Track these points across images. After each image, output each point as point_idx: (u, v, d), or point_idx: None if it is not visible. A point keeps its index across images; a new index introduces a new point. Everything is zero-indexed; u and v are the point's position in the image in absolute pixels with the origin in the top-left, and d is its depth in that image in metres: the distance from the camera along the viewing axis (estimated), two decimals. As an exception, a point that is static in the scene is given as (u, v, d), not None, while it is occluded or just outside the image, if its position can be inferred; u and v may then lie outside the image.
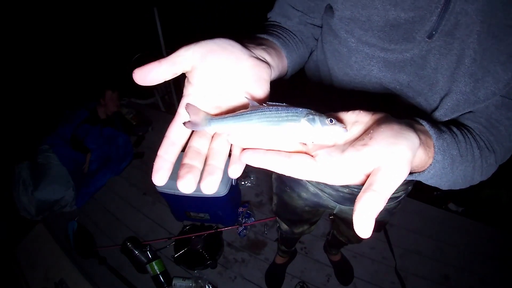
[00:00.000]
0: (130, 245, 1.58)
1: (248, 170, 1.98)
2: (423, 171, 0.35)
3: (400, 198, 0.77)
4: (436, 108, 0.46)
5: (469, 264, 1.57)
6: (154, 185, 1.51)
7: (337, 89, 0.55)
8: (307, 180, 0.79)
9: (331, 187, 0.75)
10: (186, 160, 0.28)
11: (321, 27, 0.55)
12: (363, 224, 0.22)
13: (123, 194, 2.00)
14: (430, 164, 0.34)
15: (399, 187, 0.71)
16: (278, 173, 0.89)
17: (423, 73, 0.45)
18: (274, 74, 0.39)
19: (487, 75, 0.39)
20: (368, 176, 0.25)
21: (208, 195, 1.49)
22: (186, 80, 0.32)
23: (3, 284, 1.61)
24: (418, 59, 0.43)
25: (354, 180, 0.26)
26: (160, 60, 0.29)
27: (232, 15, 2.67)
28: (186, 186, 0.27)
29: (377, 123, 0.27)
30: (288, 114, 0.28)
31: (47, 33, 2.38)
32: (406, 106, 0.49)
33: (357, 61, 0.48)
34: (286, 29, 0.53)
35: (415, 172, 0.36)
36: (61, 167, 1.85)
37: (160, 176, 0.28)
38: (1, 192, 1.86)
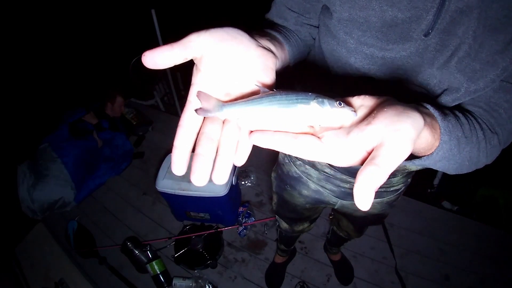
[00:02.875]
0: (130, 245, 1.58)
1: (248, 170, 1.99)
2: (432, 153, 0.36)
3: (400, 190, 0.78)
4: (437, 98, 0.48)
5: (469, 264, 1.57)
6: (154, 185, 1.52)
7: (336, 86, 0.56)
8: (307, 178, 0.80)
9: (332, 183, 0.75)
10: (199, 150, 0.28)
11: (318, 27, 0.56)
12: (363, 196, 0.23)
13: (123, 194, 2.00)
14: (438, 145, 0.35)
15: (399, 180, 0.72)
16: (278, 172, 0.90)
17: (421, 69, 0.46)
18: (278, 64, 0.40)
19: (486, 65, 0.40)
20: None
21: (208, 195, 1.49)
22: (194, 68, 0.32)
23: (3, 284, 1.61)
24: (415, 56, 0.45)
25: (358, 160, 0.27)
26: (172, 43, 0.29)
27: (231, 17, 2.68)
28: (198, 180, 0.28)
29: (381, 105, 0.28)
30: (298, 97, 0.29)
31: (46, 35, 2.38)
32: (406, 99, 0.50)
33: (356, 61, 0.49)
34: (285, 27, 0.54)
35: (423, 156, 0.37)
36: (60, 165, 1.84)
37: (179, 167, 0.28)
38: (2, 192, 1.86)
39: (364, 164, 0.24)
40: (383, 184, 0.81)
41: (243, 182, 1.96)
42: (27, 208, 1.79)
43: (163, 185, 1.51)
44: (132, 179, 2.09)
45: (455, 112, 0.41)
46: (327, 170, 0.73)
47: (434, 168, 0.41)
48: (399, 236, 1.68)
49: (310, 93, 0.29)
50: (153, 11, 2.09)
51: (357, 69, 0.50)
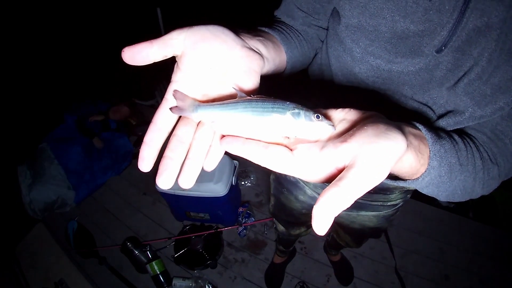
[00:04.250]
0: (130, 245, 1.58)
1: (248, 170, 1.98)
2: (417, 178, 0.33)
3: (398, 206, 0.76)
4: (440, 119, 0.45)
5: (469, 264, 1.57)
6: (154, 185, 1.51)
7: (339, 94, 0.54)
8: (304, 183, 0.79)
9: None
10: (168, 152, 0.28)
11: (327, 29, 0.54)
12: (321, 219, 0.21)
13: (123, 194, 2.00)
14: (425, 171, 0.33)
15: (397, 195, 0.70)
16: (276, 174, 0.89)
17: (428, 87, 0.43)
18: (269, 66, 0.38)
19: (497, 91, 0.38)
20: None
21: (208, 195, 1.49)
22: (175, 65, 0.31)
23: (3, 284, 1.61)
24: (424, 73, 0.42)
25: (328, 177, 0.25)
26: (152, 40, 0.29)
27: (238, 16, 2.67)
28: (163, 183, 0.27)
29: (364, 122, 0.26)
30: (274, 106, 0.28)
31: (49, 35, 2.38)
32: (409, 116, 0.48)
33: (361, 71, 0.47)
34: (292, 27, 0.52)
35: (408, 179, 0.34)
36: (57, 166, 1.84)
37: (146, 164, 0.28)
38: (2, 192, 1.86)
39: (329, 185, 0.22)
40: (380, 199, 0.77)
41: (243, 182, 1.96)
42: (28, 207, 1.79)
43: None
44: (132, 179, 2.09)
45: (453, 136, 0.38)
46: None
47: (422, 192, 0.39)
48: (399, 236, 1.68)
49: (288, 102, 0.28)
50: (158, 10, 2.08)
51: (361, 79, 0.48)
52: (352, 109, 0.29)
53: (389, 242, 1.62)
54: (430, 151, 0.32)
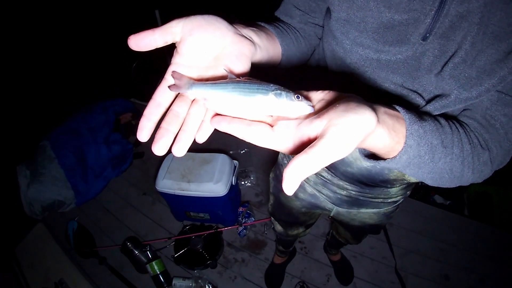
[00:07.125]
0: (130, 245, 1.58)
1: (248, 170, 1.99)
2: (395, 156, 0.35)
3: (398, 202, 0.77)
4: (428, 103, 0.47)
5: (469, 264, 1.57)
6: (154, 185, 1.52)
7: (333, 85, 0.56)
8: (304, 180, 0.79)
9: (328, 188, 0.74)
10: (164, 124, 0.31)
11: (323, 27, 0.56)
12: (290, 181, 0.24)
13: (123, 194, 2.00)
14: (402, 149, 0.34)
15: (397, 191, 0.70)
16: (276, 173, 0.90)
17: (417, 74, 0.45)
18: (262, 54, 0.41)
19: (482, 73, 0.39)
20: None
21: (208, 195, 1.49)
22: (175, 50, 0.34)
23: (3, 284, 1.61)
24: (412, 60, 0.44)
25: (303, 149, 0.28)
26: (154, 29, 0.32)
27: (237, 18, 2.66)
28: (158, 149, 0.30)
29: (339, 101, 0.28)
30: (259, 87, 0.31)
31: (47, 36, 2.38)
32: (399, 103, 0.50)
33: (352, 62, 0.49)
34: (289, 24, 0.54)
35: (387, 158, 0.36)
36: (57, 166, 1.83)
37: (143, 134, 0.31)
38: (2, 192, 1.86)
39: (301, 152, 0.25)
40: (380, 195, 0.79)
41: (243, 182, 1.96)
42: (27, 207, 1.79)
43: (163, 185, 1.51)
44: (132, 179, 2.09)
45: (439, 120, 0.39)
46: (325, 174, 0.71)
47: (408, 174, 0.40)
48: (399, 236, 1.68)
49: (271, 85, 0.31)
50: (157, 12, 2.08)
51: (353, 70, 0.50)
52: (330, 91, 0.32)
53: (389, 242, 1.62)
54: (406, 130, 0.34)
